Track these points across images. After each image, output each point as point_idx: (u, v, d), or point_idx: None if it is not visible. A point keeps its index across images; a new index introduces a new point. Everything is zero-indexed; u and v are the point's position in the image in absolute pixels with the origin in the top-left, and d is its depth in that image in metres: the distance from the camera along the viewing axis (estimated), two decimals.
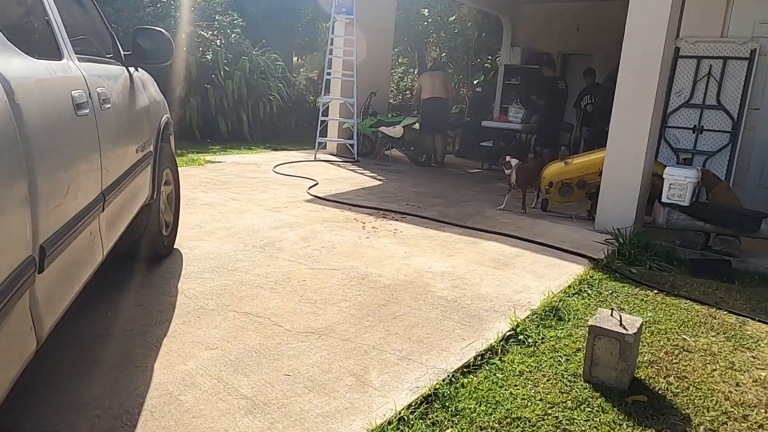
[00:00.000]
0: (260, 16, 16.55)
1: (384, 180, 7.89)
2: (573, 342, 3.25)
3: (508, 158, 6.19)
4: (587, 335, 2.87)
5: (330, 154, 10.07)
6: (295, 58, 23.56)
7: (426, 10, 22.02)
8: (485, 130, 11.61)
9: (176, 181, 4.44)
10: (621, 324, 2.84)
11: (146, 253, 3.95)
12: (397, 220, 5.63)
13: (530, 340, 3.24)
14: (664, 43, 5.03)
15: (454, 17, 22.74)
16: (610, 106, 9.21)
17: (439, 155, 9.54)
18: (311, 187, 6.91)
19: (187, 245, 4.48)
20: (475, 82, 24.21)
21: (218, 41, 13.43)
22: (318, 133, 9.43)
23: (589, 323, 2.87)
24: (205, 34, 13.33)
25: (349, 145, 9.60)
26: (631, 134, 5.21)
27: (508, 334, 3.26)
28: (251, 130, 13.08)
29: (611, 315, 2.93)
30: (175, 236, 4.42)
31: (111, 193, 2.46)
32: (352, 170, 8.53)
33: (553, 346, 3.20)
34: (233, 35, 13.48)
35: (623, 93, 5.27)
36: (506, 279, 4.14)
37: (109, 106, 2.51)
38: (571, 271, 4.39)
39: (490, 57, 22.68)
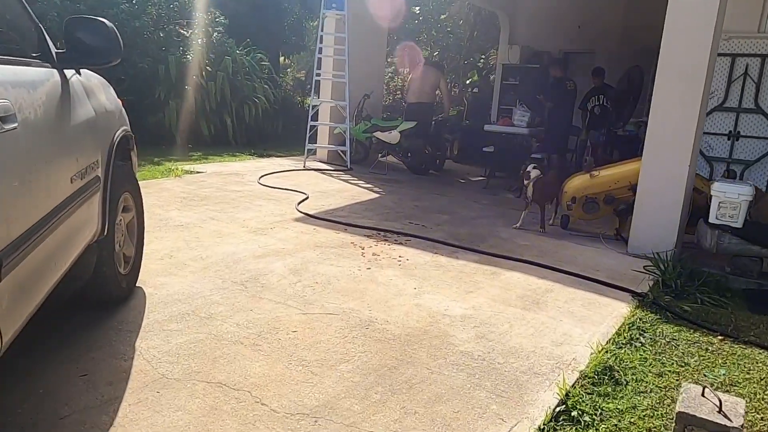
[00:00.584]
0: (244, 14, 15.72)
1: (381, 192, 7.14)
2: (640, 419, 2.54)
3: (529, 168, 5.48)
4: (675, 425, 2.16)
5: (320, 161, 9.31)
6: (281, 58, 22.74)
7: (417, 8, 21.29)
8: (486, 134, 10.91)
9: (139, 206, 3.67)
10: (720, 410, 2.13)
11: (97, 300, 3.19)
12: (400, 243, 4.89)
13: (586, 417, 2.51)
14: (712, 39, 4.33)
15: (444, 15, 22.05)
16: (625, 109, 8.63)
17: (429, 163, 8.81)
18: (301, 202, 6.15)
19: (152, 282, 3.72)
20: (467, 81, 23.64)
21: (199, 40, 12.62)
22: (307, 139, 8.68)
23: (678, 408, 2.16)
24: (185, 32, 12.53)
25: (341, 152, 8.85)
26: (672, 143, 4.51)
27: (557, 409, 2.53)
28: (236, 135, 12.30)
29: (703, 395, 2.22)
30: (138, 272, 3.66)
31: (17, 253, 1.70)
32: (346, 180, 7.78)
33: (616, 425, 2.48)
34: (215, 34, 12.68)
35: (663, 96, 4.56)
36: (540, 324, 3.41)
37: (15, 125, 1.75)
38: (615, 311, 3.67)
39: (483, 56, 22.09)
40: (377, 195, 6.90)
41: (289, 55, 23.16)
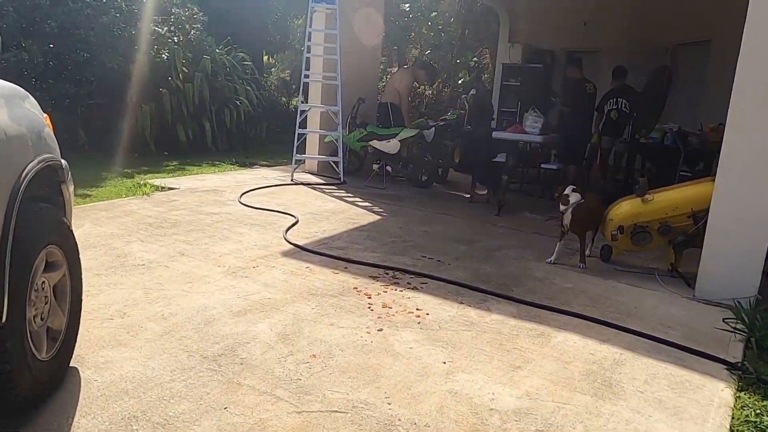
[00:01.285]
0: (225, 11, 14.68)
1: (382, 212, 6.20)
2: None
3: (567, 191, 4.57)
4: None
5: (310, 173, 8.36)
6: (265, 57, 21.73)
7: (407, 5, 20.35)
8: (491, 141, 10.02)
9: (72, 259, 2.70)
10: None
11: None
12: (415, 288, 3.95)
13: None
14: None
15: (435, 13, 21.15)
16: (650, 115, 7.79)
17: (431, 174, 7.90)
18: (290, 228, 5.20)
19: (92, 359, 2.75)
20: (459, 81, 22.78)
21: (176, 38, 11.60)
22: (295, 149, 7.71)
23: None
24: (159, 30, 11.49)
25: (334, 163, 7.90)
26: (758, 163, 3.62)
27: None
28: (216, 141, 11.30)
29: None
30: (72, 350, 2.69)
31: None
32: (340, 198, 6.82)
33: None
34: (193, 31, 11.66)
35: (745, 103, 3.66)
36: (625, 424, 2.49)
37: None
38: (714, 395, 2.76)
39: (476, 57, 21.25)
40: (378, 217, 5.96)
41: (273, 54, 22.15)
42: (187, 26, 11.66)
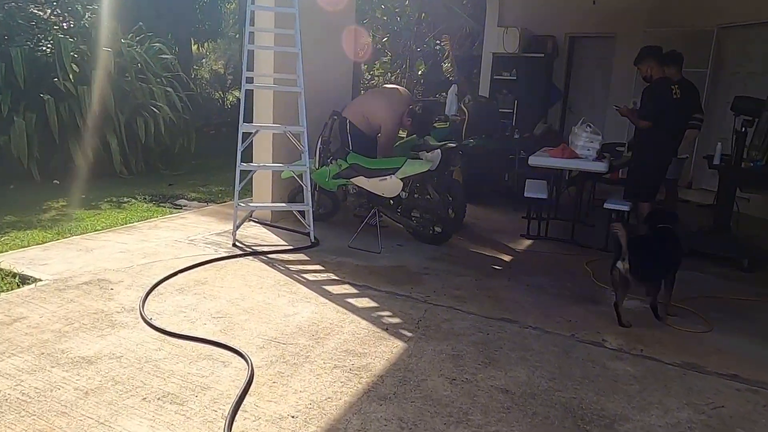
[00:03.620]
0: None
1: (401, 329, 3.47)
2: None
3: None
4: None
5: (262, 222, 5.64)
6: (194, 47, 18.52)
7: None
8: (507, 161, 7.54)
9: None
10: None
11: None
12: None
13: None
14: None
15: None
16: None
17: (445, 221, 5.22)
18: (234, 411, 2.52)
19: None
20: (419, 72, 20.26)
21: (64, 25, 8.56)
22: (236, 193, 4.94)
23: None
24: (41, 13, 8.43)
25: (298, 213, 5.19)
26: None
27: None
28: (127, 162, 8.40)
29: None
30: None
31: None
32: (317, 286, 4.12)
33: None
34: (87, 15, 8.63)
35: None
36: None
37: None
38: None
39: (438, 42, 18.82)
40: (398, 346, 3.26)
41: (203, 42, 18.97)
42: (79, 8, 8.61)
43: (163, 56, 9.69)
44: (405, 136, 6.44)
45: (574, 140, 5.49)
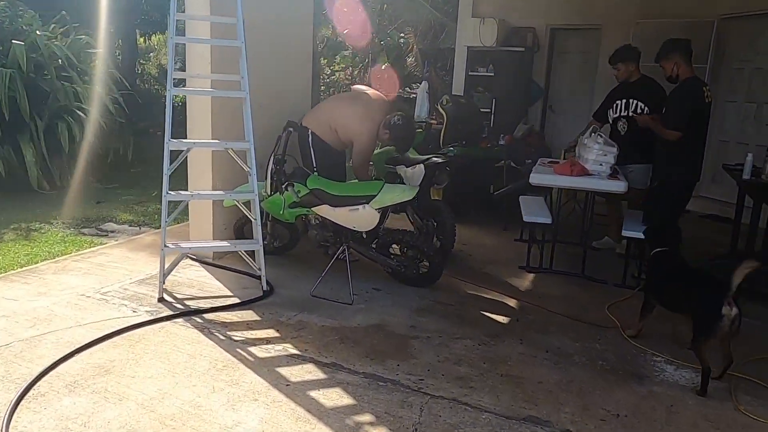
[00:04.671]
0: None
1: None
2: None
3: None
4: None
5: (199, 260, 4.49)
6: (141, 40, 17.05)
7: None
8: (493, 173, 6.53)
9: None
10: None
11: None
12: None
13: None
14: None
15: None
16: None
17: (431, 257, 4.10)
18: None
19: None
20: (383, 67, 19.18)
21: None
22: (163, 228, 3.78)
23: None
24: None
25: (246, 254, 4.05)
26: None
27: None
28: (49, 174, 7.13)
29: None
30: None
31: None
32: (266, 363, 3.04)
33: None
34: None
35: None
36: None
37: None
38: None
39: (402, 35, 17.78)
40: None
41: (150, 35, 17.51)
42: None
43: (91, 51, 8.36)
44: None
45: (584, 153, 4.51)
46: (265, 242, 4.37)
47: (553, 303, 4.04)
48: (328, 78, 19.33)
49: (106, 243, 5.24)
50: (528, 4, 9.06)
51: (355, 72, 19.60)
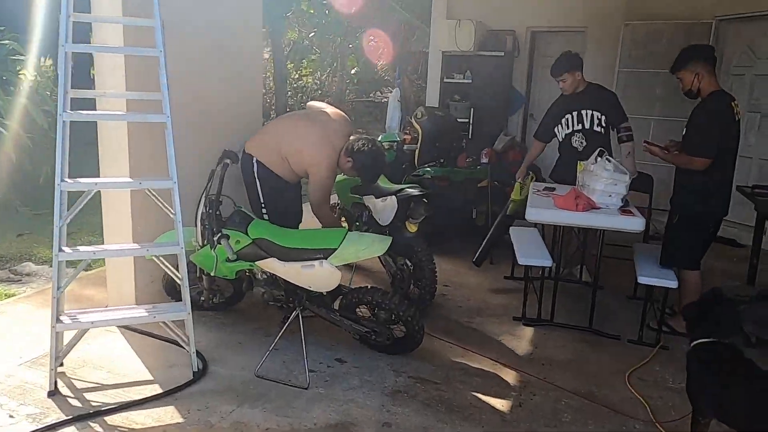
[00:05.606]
0: None
1: None
2: None
3: None
4: None
5: (118, 324, 3.56)
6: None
7: None
8: (477, 199, 5.72)
9: None
10: None
11: None
12: None
13: None
14: None
15: None
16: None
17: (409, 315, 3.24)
18: None
19: None
20: (352, 71, 18.37)
21: None
22: (54, 298, 2.88)
23: None
24: None
25: (169, 324, 3.14)
26: None
27: None
28: None
29: None
30: None
31: None
32: None
33: None
34: None
35: None
36: None
37: None
38: None
39: (372, 38, 17.02)
40: None
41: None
42: None
43: (18, 57, 7.36)
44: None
45: (590, 182, 3.72)
46: (202, 299, 3.51)
47: (560, 373, 3.24)
48: (295, 83, 18.41)
49: (14, 293, 4.31)
50: (507, 5, 8.33)
51: (323, 76, 18.70)
